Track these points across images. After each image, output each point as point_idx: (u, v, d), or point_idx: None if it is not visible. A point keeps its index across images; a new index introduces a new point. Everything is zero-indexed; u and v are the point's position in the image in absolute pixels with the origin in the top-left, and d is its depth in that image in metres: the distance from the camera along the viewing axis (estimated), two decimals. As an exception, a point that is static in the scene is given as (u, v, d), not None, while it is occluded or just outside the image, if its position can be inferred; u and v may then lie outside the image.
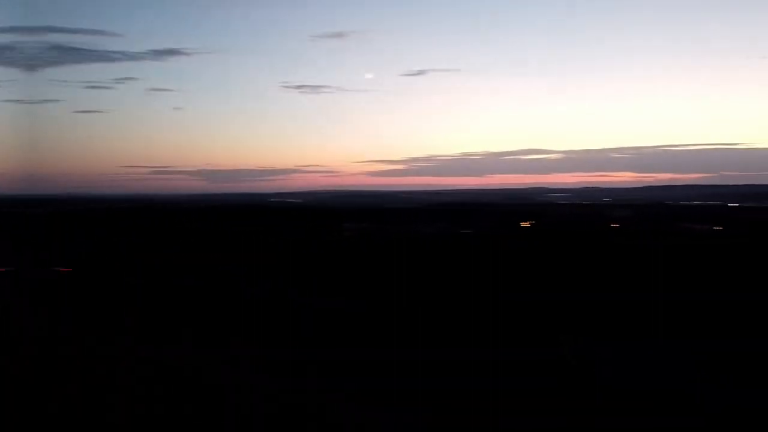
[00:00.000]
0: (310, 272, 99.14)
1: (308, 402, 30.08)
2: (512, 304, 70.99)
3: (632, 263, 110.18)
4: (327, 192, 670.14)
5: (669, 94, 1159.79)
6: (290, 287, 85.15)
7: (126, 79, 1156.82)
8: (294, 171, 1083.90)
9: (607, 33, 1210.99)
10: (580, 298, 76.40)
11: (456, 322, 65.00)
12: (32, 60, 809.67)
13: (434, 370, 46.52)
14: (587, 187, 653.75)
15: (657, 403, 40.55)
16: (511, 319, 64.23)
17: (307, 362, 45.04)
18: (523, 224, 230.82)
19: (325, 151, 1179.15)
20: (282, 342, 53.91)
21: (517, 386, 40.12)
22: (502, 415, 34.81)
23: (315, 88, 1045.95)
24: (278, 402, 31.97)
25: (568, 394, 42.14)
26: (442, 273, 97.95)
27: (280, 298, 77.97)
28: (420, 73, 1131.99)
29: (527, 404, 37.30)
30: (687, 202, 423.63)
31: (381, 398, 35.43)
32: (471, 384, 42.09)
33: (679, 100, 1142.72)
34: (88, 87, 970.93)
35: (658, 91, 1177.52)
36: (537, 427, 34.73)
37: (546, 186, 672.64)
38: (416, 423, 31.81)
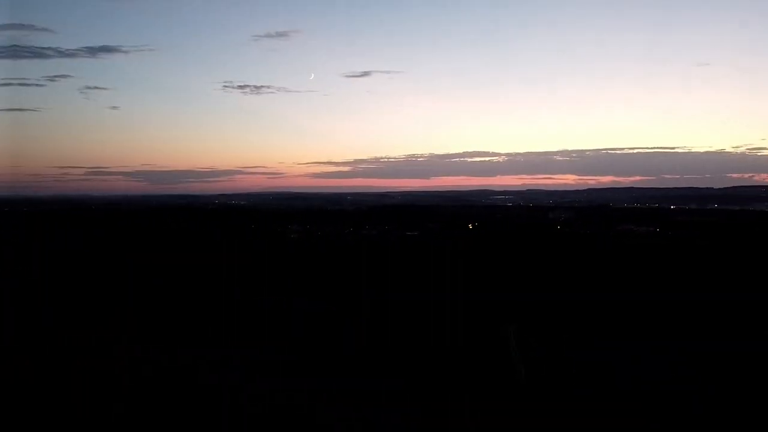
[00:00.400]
0: (256, 273, 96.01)
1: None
2: (455, 302, 70.57)
3: (574, 263, 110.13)
4: (271, 194, 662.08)
5: (610, 99, 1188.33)
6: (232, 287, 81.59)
7: (59, 76, 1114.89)
8: (237, 172, 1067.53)
9: (550, 38, 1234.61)
10: (520, 297, 75.57)
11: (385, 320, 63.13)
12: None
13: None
14: (531, 189, 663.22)
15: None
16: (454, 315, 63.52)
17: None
18: (470, 225, 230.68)
19: (268, 152, 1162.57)
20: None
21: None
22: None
23: (257, 89, 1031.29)
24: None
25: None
26: (387, 273, 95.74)
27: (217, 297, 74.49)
28: (364, 74, 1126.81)
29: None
30: (628, 204, 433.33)
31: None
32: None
33: (620, 104, 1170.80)
34: (18, 84, 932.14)
35: (600, 95, 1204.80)
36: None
37: (491, 188, 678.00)
38: None
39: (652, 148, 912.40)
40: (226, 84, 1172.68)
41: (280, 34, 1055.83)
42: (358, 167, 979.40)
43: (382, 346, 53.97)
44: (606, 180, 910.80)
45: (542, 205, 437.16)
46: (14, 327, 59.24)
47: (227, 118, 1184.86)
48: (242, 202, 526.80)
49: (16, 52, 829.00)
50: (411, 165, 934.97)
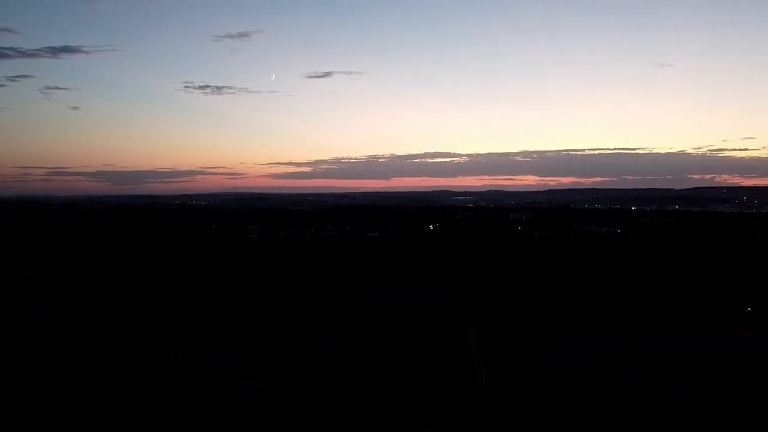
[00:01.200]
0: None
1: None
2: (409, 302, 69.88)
3: (537, 264, 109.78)
4: (232, 194, 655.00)
5: (571, 100, 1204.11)
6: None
7: (20, 77, 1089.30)
8: (198, 173, 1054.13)
9: (512, 40, 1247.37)
10: (485, 297, 74.80)
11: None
12: None
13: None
14: (492, 190, 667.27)
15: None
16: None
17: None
18: (431, 226, 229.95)
19: (229, 152, 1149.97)
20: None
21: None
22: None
23: (218, 89, 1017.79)
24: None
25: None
26: (353, 274, 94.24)
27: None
28: (326, 75, 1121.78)
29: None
30: (589, 206, 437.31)
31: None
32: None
33: (581, 106, 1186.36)
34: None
35: (561, 96, 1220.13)
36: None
37: (452, 189, 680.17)
38: None
39: (613, 149, 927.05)
40: (187, 84, 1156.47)
41: (242, 35, 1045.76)
42: (319, 168, 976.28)
43: (358, 347, 52.83)
44: (567, 181, 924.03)
45: (503, 205, 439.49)
46: (9, 325, 59.45)
47: (188, 118, 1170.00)
48: (203, 203, 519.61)
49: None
50: (372, 165, 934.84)
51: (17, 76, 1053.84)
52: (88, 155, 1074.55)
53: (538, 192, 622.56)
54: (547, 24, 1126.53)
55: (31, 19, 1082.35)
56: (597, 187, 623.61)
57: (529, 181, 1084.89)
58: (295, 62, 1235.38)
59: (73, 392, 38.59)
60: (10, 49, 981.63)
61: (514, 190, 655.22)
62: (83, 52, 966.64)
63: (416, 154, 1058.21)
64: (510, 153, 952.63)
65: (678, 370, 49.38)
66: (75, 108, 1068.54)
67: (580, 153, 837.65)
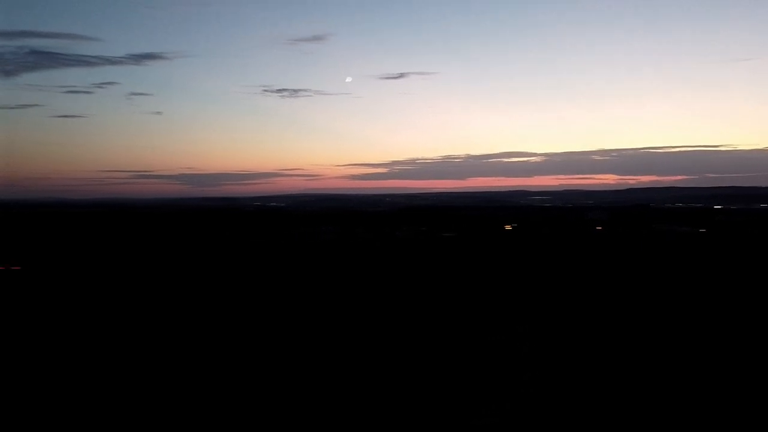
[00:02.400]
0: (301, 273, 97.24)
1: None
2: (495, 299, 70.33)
3: (617, 263, 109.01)
4: (308, 195, 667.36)
5: (651, 97, 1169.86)
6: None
7: (105, 83, 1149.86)
8: (275, 175, 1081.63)
9: (589, 36, 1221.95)
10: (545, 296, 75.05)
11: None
12: (9, 65, 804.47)
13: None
14: (569, 190, 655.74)
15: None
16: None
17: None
18: (507, 227, 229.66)
19: (306, 154, 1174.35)
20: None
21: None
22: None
23: (294, 92, 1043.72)
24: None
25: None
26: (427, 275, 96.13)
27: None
28: (400, 76, 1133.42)
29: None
30: (670, 205, 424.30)
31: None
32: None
33: (661, 102, 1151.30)
34: (67, 92, 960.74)
35: (640, 93, 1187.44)
36: None
37: (527, 189, 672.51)
38: None
39: (695, 146, 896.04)
40: (265, 88, 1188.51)
41: (317, 38, 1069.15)
42: (394, 168, 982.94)
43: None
44: (646, 179, 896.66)
45: (581, 205, 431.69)
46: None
47: (265, 121, 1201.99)
48: (282, 204, 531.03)
49: (65, 60, 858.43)
50: (447, 166, 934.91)
51: (103, 83, 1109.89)
52: (170, 159, 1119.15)
53: (617, 191, 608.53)
54: (625, 20, 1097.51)
55: (114, 28, 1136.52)
56: (678, 185, 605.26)
57: (607, 180, 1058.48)
58: (369, 64, 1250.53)
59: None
60: (97, 57, 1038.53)
61: (592, 189, 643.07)
62: (165, 58, 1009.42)
63: (491, 154, 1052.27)
64: (587, 152, 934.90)
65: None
66: (157, 113, 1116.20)
67: (660, 151, 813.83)
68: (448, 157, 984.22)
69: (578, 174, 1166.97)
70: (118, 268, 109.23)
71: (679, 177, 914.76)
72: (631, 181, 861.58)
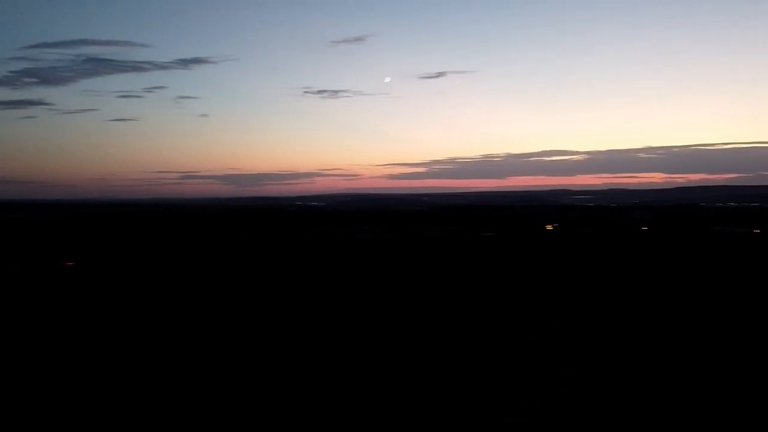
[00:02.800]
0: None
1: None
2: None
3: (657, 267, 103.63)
4: (348, 195, 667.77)
5: (701, 92, 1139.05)
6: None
7: (155, 88, 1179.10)
8: (316, 174, 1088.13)
9: (632, 30, 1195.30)
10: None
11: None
12: (69, 72, 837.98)
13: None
14: (613, 189, 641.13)
15: None
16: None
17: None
18: (548, 227, 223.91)
19: (346, 154, 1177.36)
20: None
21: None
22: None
23: (335, 93, 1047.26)
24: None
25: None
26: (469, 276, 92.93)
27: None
28: (439, 75, 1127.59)
29: None
30: (722, 204, 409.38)
31: None
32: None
33: (711, 97, 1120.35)
34: (120, 96, 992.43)
35: (689, 88, 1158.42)
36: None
37: (570, 188, 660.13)
38: None
39: (748, 143, 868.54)
40: (306, 89, 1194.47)
41: (357, 39, 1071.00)
42: (434, 168, 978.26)
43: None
44: (696, 178, 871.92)
45: (626, 205, 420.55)
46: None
47: (306, 122, 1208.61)
48: (323, 203, 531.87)
49: (118, 66, 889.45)
50: (487, 165, 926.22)
51: (153, 88, 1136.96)
52: (216, 160, 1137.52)
53: (665, 190, 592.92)
54: (674, 14, 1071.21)
55: (163, 34, 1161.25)
56: (730, 183, 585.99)
57: (654, 178, 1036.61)
58: (408, 64, 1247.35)
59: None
60: (146, 62, 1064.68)
61: (637, 188, 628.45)
62: (211, 62, 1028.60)
63: (532, 153, 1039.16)
64: (632, 149, 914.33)
65: None
66: (204, 115, 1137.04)
67: (710, 148, 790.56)
68: (488, 156, 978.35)
69: (623, 173, 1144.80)
70: (169, 265, 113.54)
71: (731, 175, 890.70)
72: (679, 180, 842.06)
